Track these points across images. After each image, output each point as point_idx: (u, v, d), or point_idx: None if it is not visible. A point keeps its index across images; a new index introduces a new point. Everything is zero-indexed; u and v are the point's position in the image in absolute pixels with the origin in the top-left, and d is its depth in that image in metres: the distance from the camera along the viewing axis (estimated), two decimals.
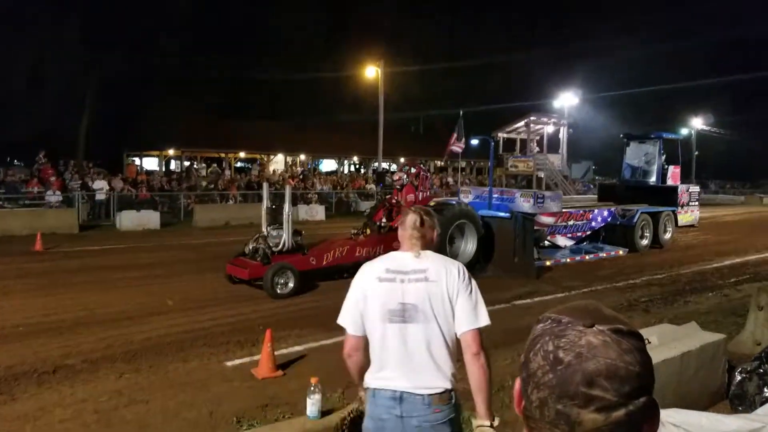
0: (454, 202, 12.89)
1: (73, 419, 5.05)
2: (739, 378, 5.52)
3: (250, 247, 10.32)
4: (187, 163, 33.78)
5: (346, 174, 38.49)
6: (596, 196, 19.86)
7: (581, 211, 15.01)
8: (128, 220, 18.86)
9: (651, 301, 9.87)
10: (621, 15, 63.78)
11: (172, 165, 36.31)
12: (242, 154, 37.82)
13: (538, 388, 0.82)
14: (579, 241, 15.30)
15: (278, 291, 9.57)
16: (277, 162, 38.12)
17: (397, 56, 38.79)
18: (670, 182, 17.53)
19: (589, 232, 15.44)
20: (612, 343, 0.81)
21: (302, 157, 39.28)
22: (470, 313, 2.53)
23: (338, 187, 29.58)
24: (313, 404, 3.95)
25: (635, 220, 15.35)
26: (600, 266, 13.39)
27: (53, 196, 19.57)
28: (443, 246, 11.07)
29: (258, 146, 36.47)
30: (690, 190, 18.12)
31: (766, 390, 5.32)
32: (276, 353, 6.26)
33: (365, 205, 26.25)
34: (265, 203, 11.00)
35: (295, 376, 6.06)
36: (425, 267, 2.59)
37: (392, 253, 2.78)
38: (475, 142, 15.21)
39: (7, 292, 9.52)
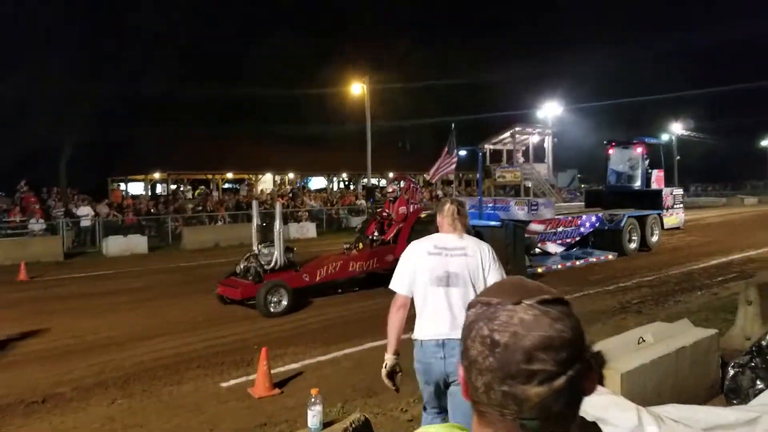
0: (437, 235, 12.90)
1: None
2: (732, 372, 5.56)
3: (242, 266, 10.24)
4: (173, 187, 33.62)
5: (335, 191, 38.47)
6: (583, 203, 20.02)
7: (570, 218, 15.13)
8: (115, 245, 18.69)
9: (642, 302, 9.93)
10: (599, 26, 64.73)
11: (158, 189, 36.14)
12: (230, 175, 37.69)
13: (481, 373, 0.84)
14: (569, 247, 15.39)
15: (272, 309, 9.47)
16: (266, 181, 38.04)
17: (383, 73, 39.05)
18: (654, 186, 17.76)
19: (578, 238, 15.55)
20: (542, 316, 0.83)
21: (291, 175, 39.26)
22: (496, 271, 3.39)
23: (328, 204, 29.56)
24: (314, 416, 3.92)
25: (622, 224, 15.49)
26: (591, 271, 13.45)
27: (36, 225, 19.34)
28: None
29: (245, 166, 36.42)
30: (674, 194, 18.38)
31: (759, 382, 5.35)
32: (272, 372, 6.20)
33: (356, 221, 26.23)
34: (256, 221, 10.96)
35: (292, 394, 6.00)
36: (464, 245, 3.41)
37: (437, 234, 3.58)
38: (463, 153, 15.32)
39: None
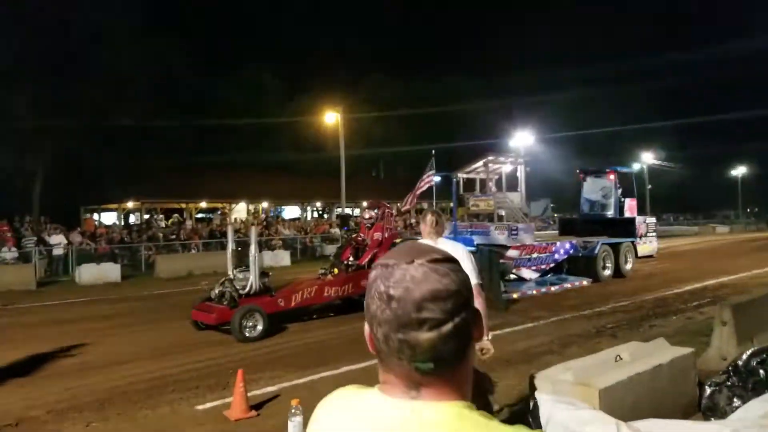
0: (419, 240, 12.99)
1: None
2: (709, 391, 5.63)
3: (217, 291, 10.11)
4: (146, 216, 33.27)
5: (309, 220, 38.41)
6: (557, 232, 20.25)
7: (544, 244, 15.30)
8: (88, 274, 18.39)
9: (617, 326, 10.01)
10: (570, 57, 66.26)
11: (131, 219, 35.72)
12: (203, 204, 37.44)
13: (380, 325, 0.94)
14: (543, 273, 15.52)
15: (247, 334, 9.34)
16: (240, 210, 37.85)
17: (356, 103, 39.45)
18: (627, 214, 18.02)
19: (552, 265, 15.69)
20: (431, 272, 0.94)
21: (265, 204, 39.13)
22: (471, 274, 3.69)
23: (302, 233, 29.47)
24: (294, 426, 3.89)
25: (596, 251, 15.70)
26: (566, 297, 13.56)
27: (8, 253, 18.99)
28: None
29: (219, 195, 36.22)
30: (647, 222, 18.70)
31: (736, 400, 5.42)
32: (249, 395, 6.11)
33: (330, 249, 26.15)
34: (230, 246, 10.88)
35: (270, 416, 5.92)
36: (441, 248, 3.92)
37: (420, 240, 4.16)
38: (437, 179, 15.49)
39: None
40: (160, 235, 25.56)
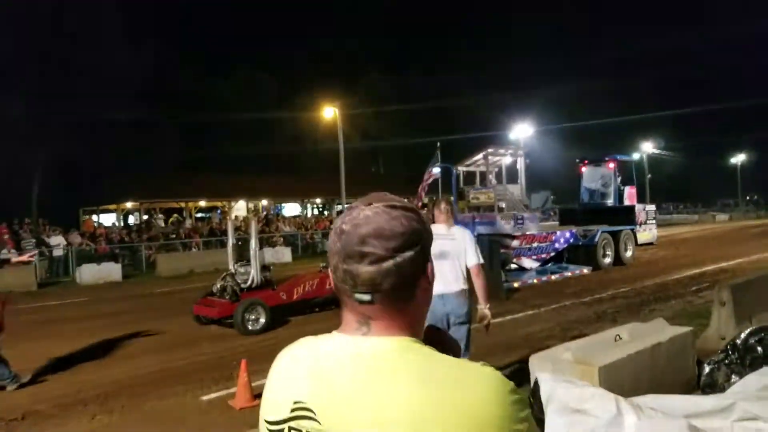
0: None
1: None
2: (708, 369, 5.67)
3: (218, 286, 10.17)
4: (146, 217, 33.31)
5: (310, 217, 38.44)
6: (557, 223, 20.28)
7: (544, 233, 15.33)
8: (89, 274, 18.44)
9: (618, 312, 10.06)
10: (569, 47, 66.21)
11: (131, 219, 35.75)
12: (203, 203, 37.46)
13: (332, 256, 1.02)
14: (544, 262, 15.56)
15: (249, 328, 9.39)
16: (239, 209, 37.87)
17: (354, 98, 39.42)
18: (627, 202, 18.05)
19: (552, 254, 15.73)
20: (382, 213, 1.01)
21: (264, 202, 39.14)
22: (474, 255, 4.94)
23: (303, 229, 29.51)
24: None
25: (596, 239, 15.73)
26: (566, 285, 13.61)
27: (8, 255, 18.98)
28: None
29: (218, 194, 36.22)
30: (647, 210, 18.69)
31: (734, 377, 5.46)
32: (253, 384, 6.16)
33: None
34: (231, 240, 10.91)
35: None
36: (453, 233, 4.97)
37: (434, 224, 4.93)
38: (437, 170, 15.51)
39: None
40: (161, 234, 25.60)
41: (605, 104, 52.63)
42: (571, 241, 15.86)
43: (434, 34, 61.45)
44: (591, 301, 11.25)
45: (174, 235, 25.21)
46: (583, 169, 19.01)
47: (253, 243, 10.32)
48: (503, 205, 16.86)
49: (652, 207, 19.62)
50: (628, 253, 17.05)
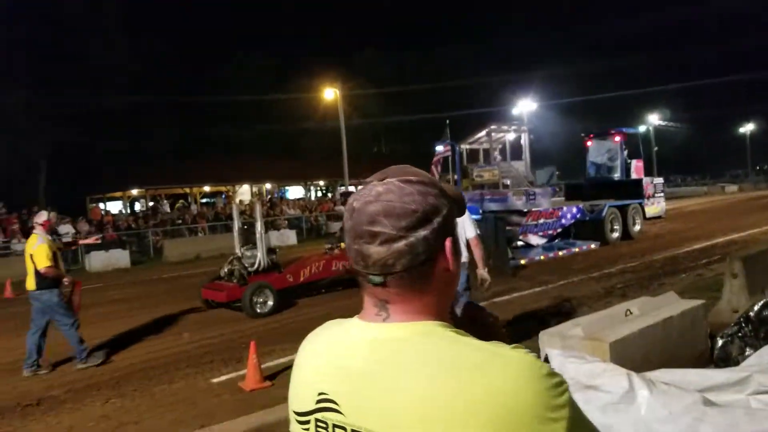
0: None
1: None
2: (721, 342, 5.63)
3: (226, 270, 10.19)
4: (152, 203, 33.38)
5: (313, 199, 38.44)
6: (563, 199, 20.15)
7: (551, 209, 15.23)
8: (97, 261, 18.53)
9: (627, 286, 10.01)
10: (571, 19, 65.46)
11: (137, 206, 35.85)
12: (207, 188, 37.50)
13: (346, 236, 0.98)
14: (551, 239, 15.50)
15: (258, 310, 9.44)
16: (243, 193, 37.90)
17: (355, 79, 39.13)
18: (634, 176, 17.87)
19: (559, 230, 15.66)
20: (395, 189, 0.94)
21: (268, 185, 39.14)
22: (471, 229, 5.81)
23: (307, 212, 29.51)
24: None
25: (604, 214, 15.62)
26: (574, 260, 13.55)
27: (19, 244, 19.09)
28: None
29: (222, 178, 36.24)
30: (654, 183, 18.52)
31: (748, 350, 5.42)
32: (262, 366, 6.18)
33: (336, 227, 26.23)
34: (237, 224, 10.91)
35: (284, 386, 5.90)
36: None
37: None
38: (440, 148, 15.40)
39: None
40: (167, 220, 25.65)
41: (611, 77, 52.15)
42: (578, 216, 15.78)
43: (434, 9, 60.84)
44: (599, 277, 11.20)
45: (180, 221, 25.25)
46: (589, 143, 18.84)
47: (259, 226, 10.32)
48: (508, 182, 16.75)
49: (660, 180, 19.44)
50: (637, 227, 16.96)
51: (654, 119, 49.72)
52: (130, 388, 6.23)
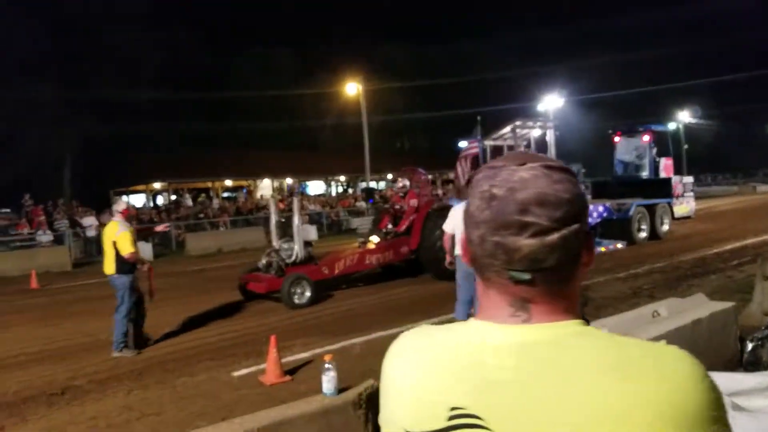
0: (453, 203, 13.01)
1: None
2: (751, 346, 5.47)
3: (264, 262, 10.35)
4: (174, 197, 33.77)
5: (334, 195, 38.56)
6: (589, 196, 19.87)
7: None
8: None
9: (655, 287, 9.83)
10: (600, 14, 64.62)
11: (159, 200, 36.29)
12: (228, 182, 37.81)
13: (477, 226, 0.87)
14: None
15: (296, 301, 9.62)
16: (265, 187, 38.14)
17: (377, 74, 39.10)
18: (663, 175, 17.52)
19: None
20: (542, 176, 0.85)
21: (289, 180, 39.32)
22: None
23: (328, 207, 29.58)
24: (328, 381, 3.90)
25: (631, 213, 15.37)
26: (600, 260, 13.31)
27: (44, 236, 19.43)
28: (451, 247, 11.26)
29: (243, 173, 36.54)
30: (684, 182, 18.13)
31: None
32: (282, 361, 6.19)
33: (356, 223, 26.33)
34: (273, 218, 11.10)
35: (304, 381, 5.97)
36: None
37: (462, 201, 6.25)
38: (463, 144, 15.30)
39: (8, 326, 9.45)
40: (190, 214, 25.92)
41: (640, 72, 51.30)
42: (605, 215, 15.53)
43: (459, 2, 60.41)
44: (626, 277, 11.01)
45: (202, 215, 25.49)
46: (617, 140, 18.53)
47: (296, 219, 10.56)
48: None
49: (689, 179, 19.03)
50: (665, 227, 16.66)
51: (684, 116, 48.79)
52: (152, 380, 6.27)
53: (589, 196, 19.69)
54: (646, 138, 17.49)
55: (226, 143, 40.38)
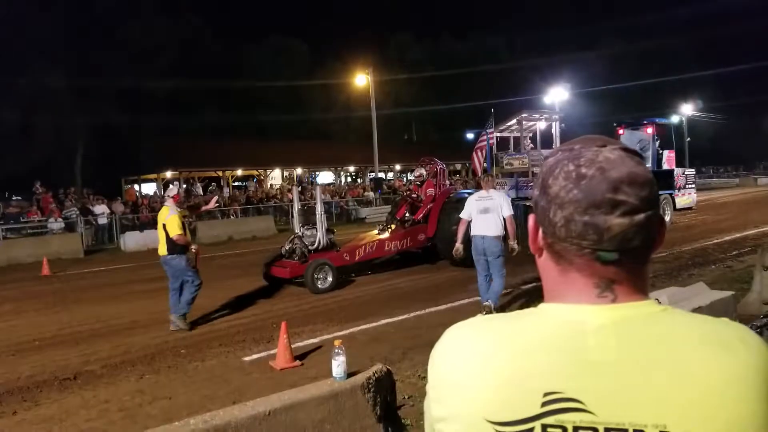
0: (471, 192, 13.15)
1: (99, 418, 5.12)
2: None
3: (287, 248, 10.63)
4: (185, 186, 33.91)
5: (343, 185, 38.69)
6: None
7: None
8: (132, 241, 18.95)
9: (656, 276, 9.94)
10: (605, 7, 64.25)
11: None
12: (239, 172, 37.98)
13: (562, 207, 0.85)
14: None
15: (319, 286, 9.94)
16: (274, 177, 38.31)
17: (386, 66, 39.10)
18: (665, 167, 17.66)
19: None
20: (626, 157, 0.86)
21: (299, 170, 39.49)
22: (507, 209, 7.42)
23: (337, 197, 29.75)
24: (338, 365, 4.04)
25: None
26: None
27: (55, 223, 19.63)
28: (466, 235, 11.46)
29: (254, 162, 36.66)
30: (686, 174, 18.29)
31: None
32: (292, 346, 6.35)
33: (365, 212, 26.51)
34: (297, 205, 11.48)
35: (313, 366, 6.14)
36: (491, 195, 7.52)
37: (480, 190, 7.88)
38: (470, 136, 15.41)
39: (21, 312, 9.64)
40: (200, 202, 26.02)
41: (643, 66, 51.08)
42: None
43: None
44: (648, 264, 11.10)
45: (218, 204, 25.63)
46: (621, 133, 18.62)
47: (319, 207, 10.84)
48: (538, 170, 16.64)
49: (691, 171, 19.20)
50: (667, 218, 16.74)
51: (687, 109, 48.68)
52: (164, 365, 6.44)
53: None
54: (650, 131, 17.58)
55: (237, 133, 40.49)
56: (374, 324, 7.75)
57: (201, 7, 44.04)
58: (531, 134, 17.89)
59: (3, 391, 5.83)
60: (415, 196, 12.78)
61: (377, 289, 10.24)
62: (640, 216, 0.82)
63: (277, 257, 10.77)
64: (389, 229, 12.01)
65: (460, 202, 12.25)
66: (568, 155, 0.88)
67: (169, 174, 34.96)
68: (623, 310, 0.84)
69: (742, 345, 0.80)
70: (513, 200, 13.16)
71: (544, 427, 0.80)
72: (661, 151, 17.64)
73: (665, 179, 17.17)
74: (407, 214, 12.41)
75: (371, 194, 29.98)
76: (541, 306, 0.89)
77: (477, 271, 7.73)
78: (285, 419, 3.45)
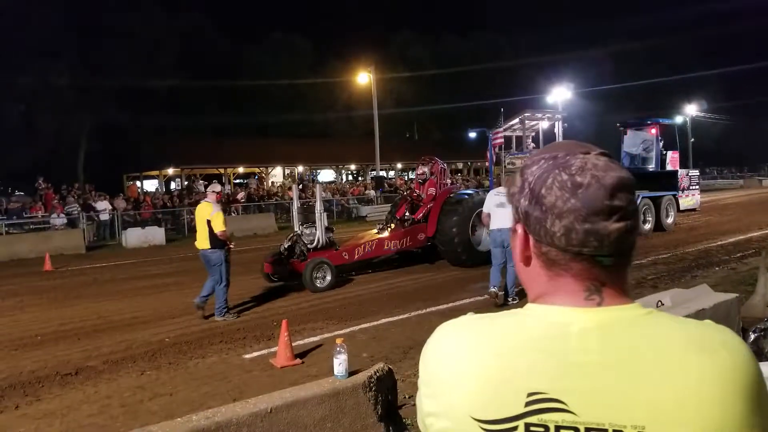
0: (471, 193, 13.13)
1: (100, 414, 5.12)
2: (753, 336, 5.56)
3: (286, 246, 10.55)
4: (186, 183, 33.95)
5: (344, 183, 38.70)
6: None
7: None
8: (134, 237, 18.95)
9: (659, 278, 9.93)
10: (609, 5, 64.11)
11: (172, 185, 36.50)
12: (240, 169, 37.99)
13: (560, 217, 0.85)
14: None
15: (317, 285, 9.89)
16: (275, 175, 38.32)
17: (388, 64, 39.06)
18: (669, 167, 17.59)
19: None
20: (610, 162, 0.88)
21: (300, 168, 39.48)
22: (510, 218, 6.38)
23: (338, 195, 29.74)
24: (339, 364, 4.02)
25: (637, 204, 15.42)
26: None
27: (58, 219, 19.65)
28: (466, 235, 11.52)
29: (255, 160, 36.66)
30: (689, 175, 18.21)
31: None
32: (293, 345, 6.33)
33: (366, 210, 26.50)
34: (296, 204, 11.38)
35: (313, 364, 6.13)
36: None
37: (498, 187, 8.83)
38: (473, 135, 15.38)
39: (23, 307, 9.64)
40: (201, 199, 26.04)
41: (647, 65, 50.98)
42: None
43: None
44: (631, 267, 11.07)
45: (224, 199, 25.64)
46: (624, 133, 18.57)
47: (318, 205, 10.84)
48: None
49: (695, 172, 19.12)
50: (670, 219, 16.73)
51: (691, 110, 48.58)
52: (165, 361, 6.43)
53: None
54: (653, 131, 17.52)
55: (238, 130, 40.50)
56: (375, 323, 7.73)
57: (203, 4, 44.10)
58: (533, 134, 17.86)
59: (5, 386, 5.83)
60: (416, 194, 12.76)
61: (378, 288, 10.22)
62: (631, 220, 0.85)
63: (275, 255, 10.68)
64: (389, 228, 11.98)
65: (460, 203, 12.31)
66: (555, 163, 0.88)
67: (170, 171, 35.04)
68: (608, 313, 0.85)
69: (723, 348, 0.81)
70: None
71: (528, 426, 0.81)
72: (664, 152, 17.57)
73: (669, 180, 17.11)
74: (407, 214, 12.38)
75: (372, 192, 29.98)
76: (528, 306, 0.91)
77: (492, 263, 8.47)
78: (286, 417, 3.43)
